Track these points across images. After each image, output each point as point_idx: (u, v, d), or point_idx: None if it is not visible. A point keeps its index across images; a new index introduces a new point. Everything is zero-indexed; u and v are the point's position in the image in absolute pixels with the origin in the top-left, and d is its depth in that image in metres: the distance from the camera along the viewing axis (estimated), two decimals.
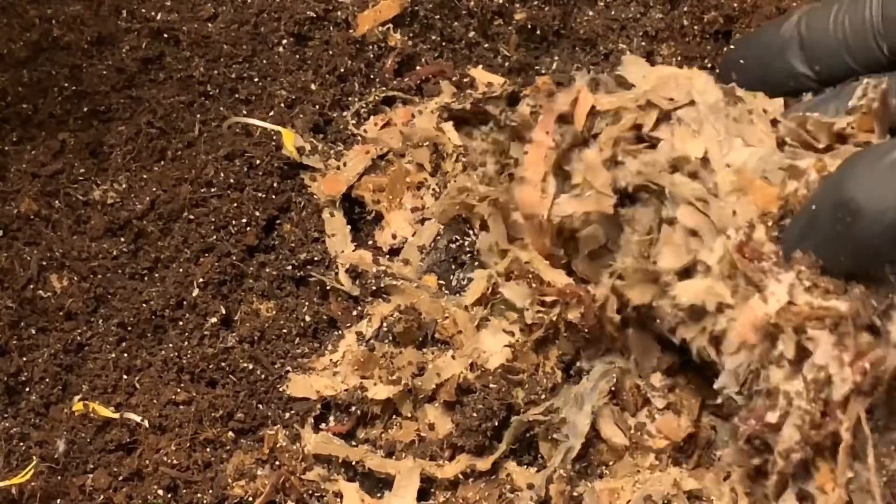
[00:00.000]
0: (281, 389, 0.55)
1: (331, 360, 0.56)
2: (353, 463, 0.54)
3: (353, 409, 0.54)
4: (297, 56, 0.62)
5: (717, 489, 0.52)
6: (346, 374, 0.55)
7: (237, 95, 0.61)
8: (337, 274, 0.57)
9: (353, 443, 0.55)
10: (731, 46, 0.60)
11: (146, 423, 0.54)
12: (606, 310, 0.52)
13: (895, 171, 0.43)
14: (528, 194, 0.53)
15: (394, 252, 0.58)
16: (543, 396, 0.53)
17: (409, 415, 0.55)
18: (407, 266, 0.57)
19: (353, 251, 0.58)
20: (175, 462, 0.53)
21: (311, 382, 0.55)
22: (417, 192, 0.59)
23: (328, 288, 0.57)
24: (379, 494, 0.54)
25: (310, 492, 0.53)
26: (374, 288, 0.56)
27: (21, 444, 0.54)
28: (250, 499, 0.53)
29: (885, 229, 0.43)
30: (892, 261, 0.46)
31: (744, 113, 0.53)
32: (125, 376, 0.56)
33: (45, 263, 0.57)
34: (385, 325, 0.56)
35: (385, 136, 0.59)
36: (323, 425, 0.55)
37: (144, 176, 0.60)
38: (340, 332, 0.57)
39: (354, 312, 0.57)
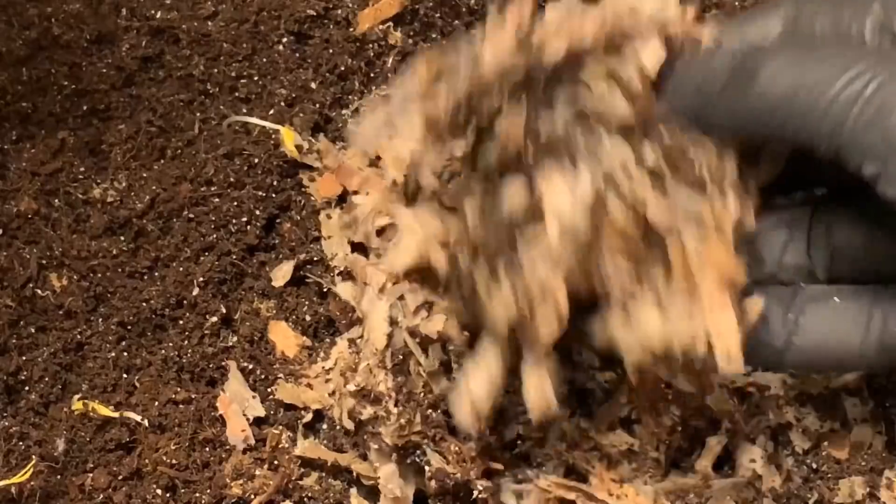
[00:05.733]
0: (271, 391, 0.55)
1: (323, 367, 0.55)
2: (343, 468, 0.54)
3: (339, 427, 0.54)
4: (297, 54, 0.62)
5: None
6: (337, 383, 0.54)
7: (237, 94, 0.61)
8: (334, 276, 0.57)
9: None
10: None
11: (146, 423, 0.54)
12: None
13: (810, 62, 0.41)
14: None
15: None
16: None
17: None
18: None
19: (349, 254, 0.57)
20: (174, 461, 0.53)
21: (298, 392, 0.55)
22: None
23: (326, 290, 0.57)
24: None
25: (309, 495, 0.53)
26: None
27: (20, 443, 0.54)
28: (251, 496, 0.53)
29: (778, 101, 0.41)
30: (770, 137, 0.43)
31: None
32: (125, 375, 0.56)
33: (44, 262, 0.57)
34: None
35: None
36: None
37: (144, 174, 0.60)
38: (339, 333, 0.57)
39: (352, 314, 0.57)
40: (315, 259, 0.58)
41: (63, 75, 0.61)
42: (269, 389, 0.56)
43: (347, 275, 0.57)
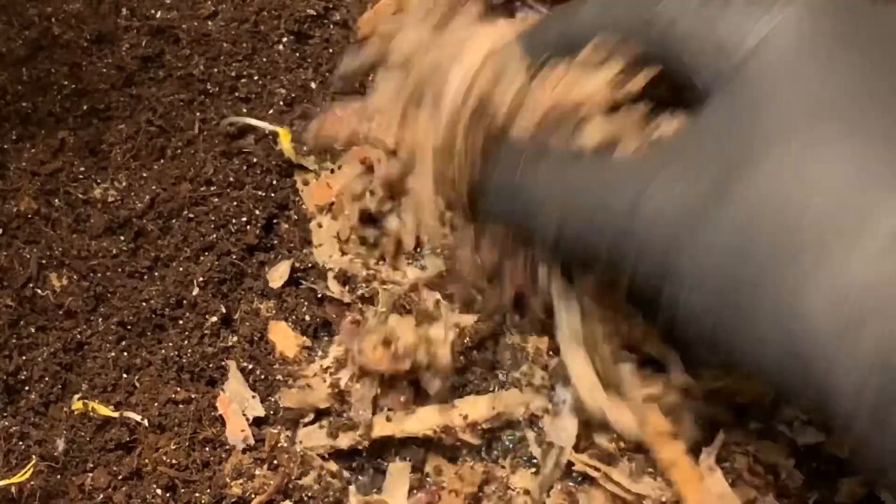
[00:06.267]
0: (275, 399, 0.55)
1: (321, 366, 0.55)
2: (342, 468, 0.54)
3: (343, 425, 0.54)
4: (297, 54, 0.62)
5: None
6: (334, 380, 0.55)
7: (237, 94, 0.61)
8: (328, 281, 0.57)
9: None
10: None
11: (146, 422, 0.54)
12: None
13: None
14: None
15: None
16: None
17: None
18: (397, 271, 0.57)
19: (343, 256, 0.57)
20: (174, 461, 0.53)
21: (304, 396, 0.55)
22: None
23: (320, 296, 0.57)
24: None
25: (309, 494, 0.53)
26: (364, 294, 0.56)
27: (20, 443, 0.53)
28: (251, 496, 0.53)
29: None
30: None
31: None
32: (125, 375, 0.56)
33: (44, 262, 0.57)
34: None
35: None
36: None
37: (144, 174, 0.60)
38: (333, 336, 0.57)
39: (348, 315, 0.57)
40: (310, 266, 0.58)
41: (63, 75, 0.61)
42: (268, 390, 0.56)
43: (341, 277, 0.57)
